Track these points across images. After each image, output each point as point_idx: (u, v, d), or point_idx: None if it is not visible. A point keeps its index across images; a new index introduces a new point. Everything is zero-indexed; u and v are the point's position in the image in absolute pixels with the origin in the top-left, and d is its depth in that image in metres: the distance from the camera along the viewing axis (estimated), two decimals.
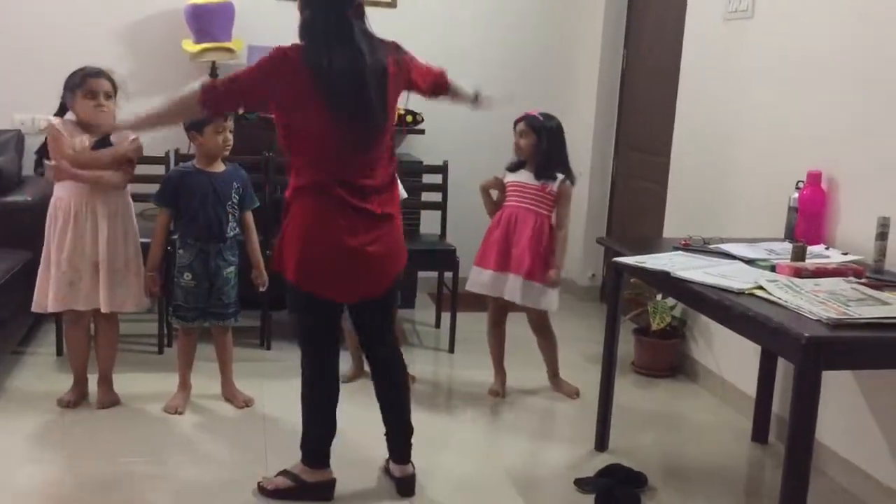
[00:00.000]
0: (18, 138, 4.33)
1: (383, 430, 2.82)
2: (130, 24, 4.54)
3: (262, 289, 3.47)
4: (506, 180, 3.64)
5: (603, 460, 3.04)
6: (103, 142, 3.20)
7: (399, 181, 2.88)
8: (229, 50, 4.51)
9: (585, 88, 5.11)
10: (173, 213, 3.30)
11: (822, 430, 2.65)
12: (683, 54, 4.09)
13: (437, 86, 2.84)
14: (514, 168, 3.64)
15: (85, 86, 3.15)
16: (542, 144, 3.54)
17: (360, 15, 2.53)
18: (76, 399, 3.31)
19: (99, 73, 3.18)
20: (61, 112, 3.21)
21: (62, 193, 3.18)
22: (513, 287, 3.52)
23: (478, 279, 3.61)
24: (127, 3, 4.51)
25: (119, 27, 4.52)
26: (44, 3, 4.44)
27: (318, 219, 2.52)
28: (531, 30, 5.15)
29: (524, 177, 3.59)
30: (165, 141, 3.73)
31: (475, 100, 2.99)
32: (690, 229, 3.38)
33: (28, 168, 4.33)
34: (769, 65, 3.43)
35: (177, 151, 4.08)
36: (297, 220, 2.55)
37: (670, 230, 4.15)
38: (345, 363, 3.16)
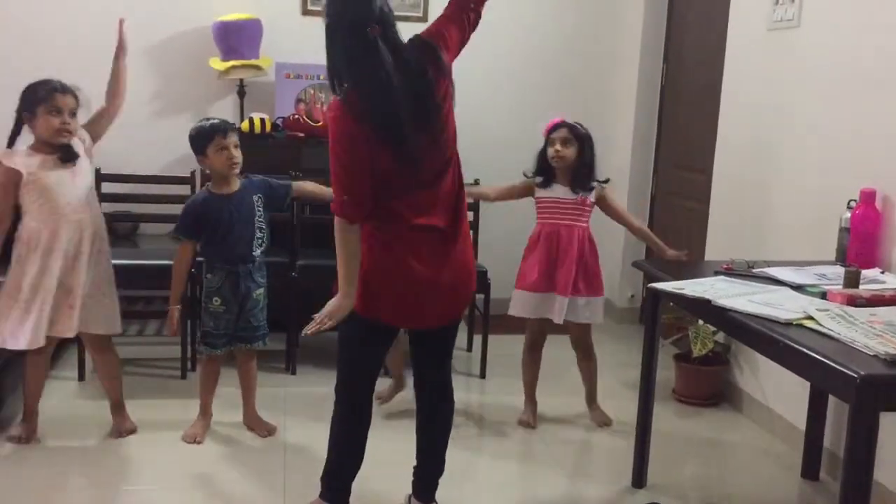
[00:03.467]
0: None
1: (408, 462, 2.68)
2: (157, 43, 4.51)
3: None
4: (536, 196, 3.46)
5: (641, 498, 2.88)
6: (68, 154, 2.98)
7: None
8: (257, 67, 4.44)
9: (624, 104, 4.95)
10: (196, 245, 3.19)
11: (878, 467, 2.46)
12: (725, 67, 3.91)
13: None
14: (545, 184, 3.43)
15: (51, 101, 2.91)
16: (584, 154, 3.37)
17: (390, 25, 2.26)
18: (27, 435, 3.14)
19: (65, 89, 2.95)
20: (17, 129, 2.98)
21: (32, 223, 2.96)
22: (560, 307, 3.35)
23: (522, 302, 3.42)
24: (153, 21, 4.46)
25: (145, 45, 4.47)
26: (69, 21, 4.41)
27: (387, 249, 2.36)
28: (568, 44, 5.00)
29: (560, 192, 3.40)
30: (191, 160, 3.62)
31: None
32: (734, 250, 3.20)
33: None
34: (817, 76, 3.24)
35: (203, 171, 3.99)
36: (364, 251, 2.37)
37: (713, 251, 3.96)
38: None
